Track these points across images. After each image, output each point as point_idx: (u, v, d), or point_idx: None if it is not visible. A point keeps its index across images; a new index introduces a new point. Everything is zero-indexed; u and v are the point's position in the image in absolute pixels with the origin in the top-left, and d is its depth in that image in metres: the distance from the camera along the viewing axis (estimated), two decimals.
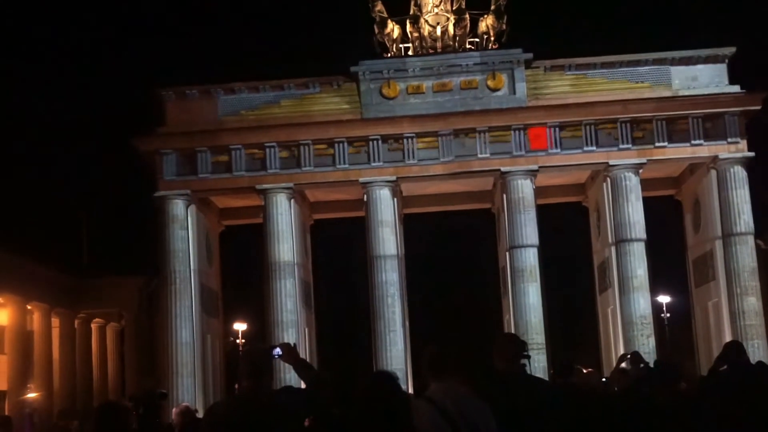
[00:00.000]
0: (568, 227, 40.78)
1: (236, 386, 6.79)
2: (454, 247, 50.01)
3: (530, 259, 32.23)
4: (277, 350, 6.73)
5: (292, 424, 6.30)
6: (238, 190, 34.09)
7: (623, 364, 12.66)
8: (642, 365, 12.35)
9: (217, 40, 63.62)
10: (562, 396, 8.39)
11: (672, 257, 37.47)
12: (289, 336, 31.21)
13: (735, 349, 10.48)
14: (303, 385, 6.91)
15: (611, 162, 32.48)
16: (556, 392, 8.48)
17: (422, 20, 33.84)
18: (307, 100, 33.65)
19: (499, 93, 33.07)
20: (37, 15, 64.91)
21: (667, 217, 37.38)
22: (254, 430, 6.21)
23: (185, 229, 33.47)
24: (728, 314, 31.99)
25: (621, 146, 32.34)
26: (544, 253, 32.79)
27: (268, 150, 33.03)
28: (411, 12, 34.26)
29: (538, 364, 29.15)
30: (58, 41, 64.21)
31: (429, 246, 46.01)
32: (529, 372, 8.02)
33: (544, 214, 33.78)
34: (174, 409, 10.57)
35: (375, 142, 32.86)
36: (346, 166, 33.04)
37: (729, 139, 32.14)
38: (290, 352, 6.78)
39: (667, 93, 32.57)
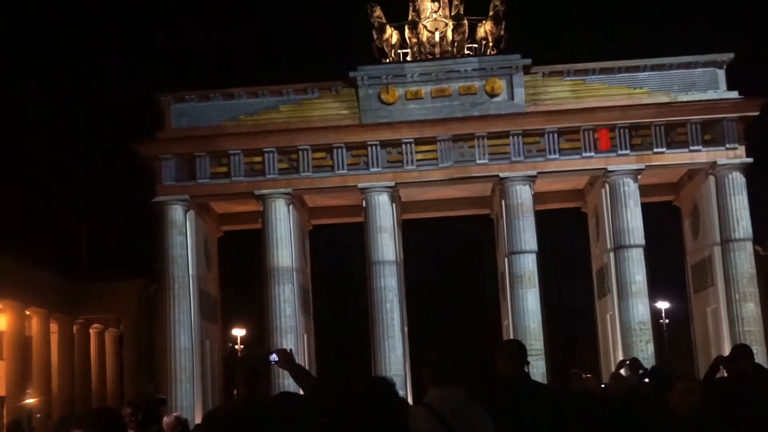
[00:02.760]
0: (566, 233, 40.83)
1: (234, 392, 6.77)
2: (453, 253, 50.00)
3: (529, 264, 32.24)
4: (273, 356, 6.72)
5: (290, 429, 6.28)
6: (237, 196, 34.09)
7: (621, 370, 12.68)
8: (641, 371, 12.38)
9: (216, 46, 63.78)
10: (566, 400, 8.39)
11: (671, 263, 37.50)
12: (288, 342, 31.20)
13: (742, 354, 10.27)
14: (301, 391, 6.90)
15: (610, 168, 32.51)
16: (561, 396, 8.48)
17: (421, 26, 33.89)
18: (306, 105, 33.68)
19: (497, 99, 33.09)
20: (38, 19, 65.03)
21: (666, 222, 37.41)
22: None
23: (184, 234, 33.48)
24: (727, 320, 32.00)
25: (620, 152, 32.38)
26: (542, 258, 32.81)
27: (266, 155, 33.06)
28: (409, 18, 34.29)
29: (537, 370, 29.08)
30: (59, 46, 64.27)
31: (428, 252, 45.97)
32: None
33: (542, 219, 33.81)
34: (165, 419, 10.46)
35: (374, 147, 32.89)
36: (345, 171, 33.05)
37: (727, 145, 32.19)
38: (286, 358, 6.77)
39: (665, 99, 32.60)
